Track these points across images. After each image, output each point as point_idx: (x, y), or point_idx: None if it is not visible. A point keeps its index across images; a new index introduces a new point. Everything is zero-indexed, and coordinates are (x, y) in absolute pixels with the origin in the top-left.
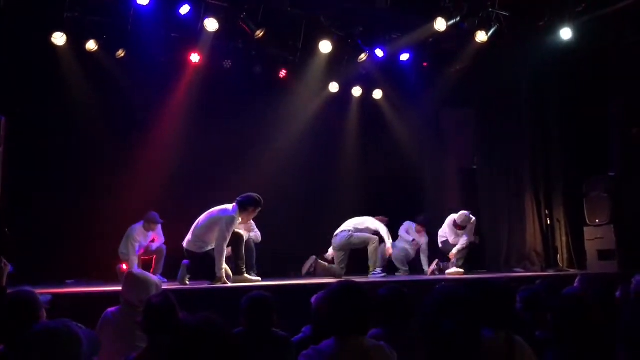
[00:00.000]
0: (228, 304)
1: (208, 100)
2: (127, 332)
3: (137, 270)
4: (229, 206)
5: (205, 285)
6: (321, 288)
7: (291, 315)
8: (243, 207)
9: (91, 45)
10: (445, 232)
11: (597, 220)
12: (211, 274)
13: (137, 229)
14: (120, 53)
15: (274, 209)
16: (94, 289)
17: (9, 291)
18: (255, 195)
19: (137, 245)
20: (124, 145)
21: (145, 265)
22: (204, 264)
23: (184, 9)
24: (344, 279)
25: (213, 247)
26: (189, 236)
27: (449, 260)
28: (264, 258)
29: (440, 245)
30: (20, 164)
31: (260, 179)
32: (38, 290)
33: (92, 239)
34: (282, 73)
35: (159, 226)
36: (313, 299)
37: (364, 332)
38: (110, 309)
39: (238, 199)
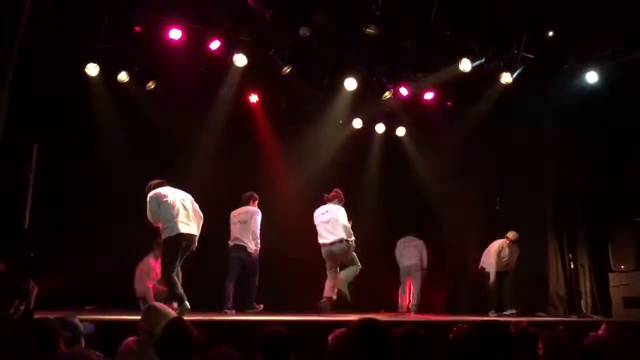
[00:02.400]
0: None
1: (234, 133)
2: None
3: (157, 303)
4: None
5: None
6: (337, 325)
7: (309, 351)
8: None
9: (122, 76)
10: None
11: (622, 267)
12: None
13: (148, 260)
14: (151, 85)
15: (297, 241)
16: (113, 316)
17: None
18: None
19: (152, 272)
20: (152, 176)
21: None
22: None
23: (214, 44)
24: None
25: None
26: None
27: None
28: (287, 290)
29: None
30: (50, 191)
31: (282, 211)
32: (80, 317)
33: (114, 267)
34: (307, 109)
35: None
36: (330, 337)
37: None
38: (130, 338)
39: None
